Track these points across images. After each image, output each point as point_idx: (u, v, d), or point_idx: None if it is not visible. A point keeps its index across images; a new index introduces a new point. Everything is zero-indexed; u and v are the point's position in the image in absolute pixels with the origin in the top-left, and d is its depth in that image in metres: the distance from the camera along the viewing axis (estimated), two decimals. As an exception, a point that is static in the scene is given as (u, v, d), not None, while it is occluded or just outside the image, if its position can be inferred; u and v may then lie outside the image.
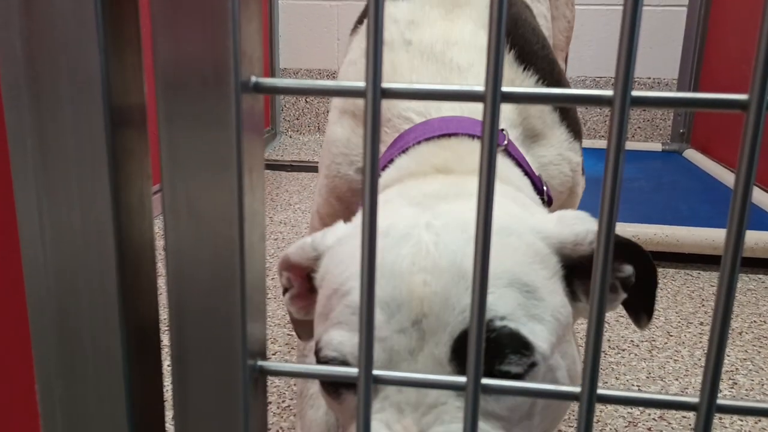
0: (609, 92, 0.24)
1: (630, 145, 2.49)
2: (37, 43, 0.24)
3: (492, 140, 0.24)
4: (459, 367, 0.44)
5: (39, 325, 0.27)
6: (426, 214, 0.51)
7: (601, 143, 2.55)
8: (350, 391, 0.48)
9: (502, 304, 0.45)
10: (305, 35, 2.71)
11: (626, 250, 0.53)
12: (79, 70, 0.24)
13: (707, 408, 0.26)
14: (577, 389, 0.26)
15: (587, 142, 2.54)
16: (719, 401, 0.26)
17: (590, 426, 0.27)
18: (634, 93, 0.23)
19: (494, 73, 0.24)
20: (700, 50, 2.44)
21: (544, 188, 0.68)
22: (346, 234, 0.53)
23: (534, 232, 0.51)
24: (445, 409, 0.44)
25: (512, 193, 0.59)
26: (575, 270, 0.52)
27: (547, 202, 0.67)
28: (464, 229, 0.48)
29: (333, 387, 0.48)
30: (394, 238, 0.48)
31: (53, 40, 0.24)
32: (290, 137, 2.77)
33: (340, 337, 0.46)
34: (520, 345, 0.44)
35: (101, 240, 0.26)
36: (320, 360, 0.46)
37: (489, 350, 0.44)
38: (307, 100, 2.78)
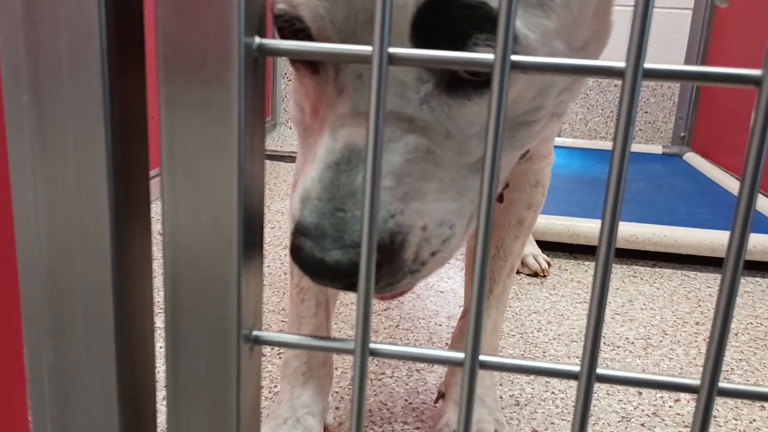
0: (621, 64, 0.23)
1: (631, 146, 2.48)
2: (36, -5, 0.23)
3: (497, 135, 0.24)
4: (419, 43, 0.37)
5: (29, 285, 0.27)
6: None
7: (602, 144, 2.54)
8: (308, 69, 0.42)
9: None
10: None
11: None
12: (78, 20, 0.23)
13: (709, 390, 0.25)
14: (576, 368, 0.26)
15: (588, 143, 2.54)
16: (721, 384, 0.26)
17: (588, 406, 0.27)
18: (646, 65, 0.23)
19: (504, 43, 0.23)
20: (703, 54, 2.43)
21: None
22: None
23: None
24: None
25: None
26: None
27: None
28: None
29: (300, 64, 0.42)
30: None
31: (53, -7, 0.23)
32: (290, 128, 2.76)
33: None
34: (494, 26, 0.34)
35: (95, 201, 0.25)
36: (273, 12, 0.40)
37: (453, 27, 0.36)
38: (309, 91, 2.77)
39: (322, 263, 0.38)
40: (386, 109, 0.38)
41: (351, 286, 0.39)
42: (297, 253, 0.39)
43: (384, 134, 0.38)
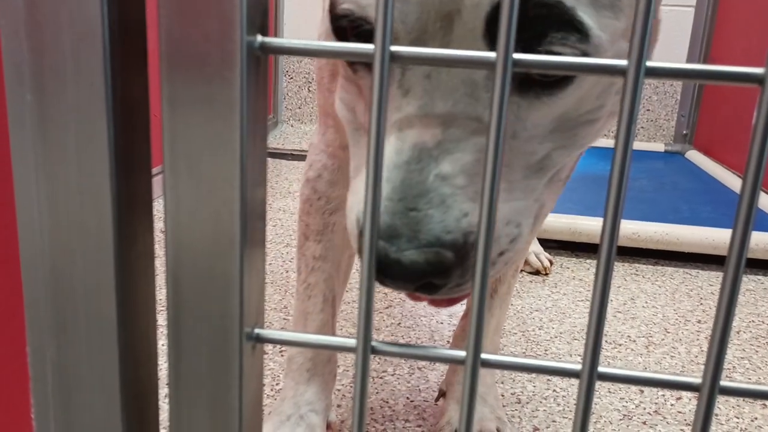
0: (623, 62, 0.23)
1: (633, 145, 2.48)
2: (39, -6, 0.23)
3: (499, 128, 0.24)
4: (492, 41, 0.37)
5: (32, 284, 0.27)
6: None
7: (604, 141, 2.54)
8: (367, 69, 0.42)
9: None
10: (310, 15, 2.69)
11: None
12: (80, 20, 0.23)
13: (710, 389, 0.25)
14: (577, 366, 0.26)
15: (590, 140, 2.54)
16: (722, 383, 0.26)
17: (589, 405, 0.27)
18: (648, 63, 0.23)
19: (505, 44, 0.23)
20: (706, 51, 2.43)
21: None
22: None
23: None
24: (460, 140, 0.39)
25: None
26: None
27: None
28: None
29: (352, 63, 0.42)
30: None
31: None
32: (291, 126, 2.76)
33: None
34: (569, 26, 0.36)
35: (98, 199, 0.26)
36: (335, 11, 0.40)
37: (528, 26, 0.36)
38: (310, 89, 2.77)
39: (398, 264, 0.37)
40: (457, 108, 0.39)
41: (425, 286, 0.38)
42: None
43: (454, 134, 0.39)
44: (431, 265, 0.37)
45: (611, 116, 0.46)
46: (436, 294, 0.40)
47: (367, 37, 0.40)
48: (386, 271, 0.37)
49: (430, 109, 0.39)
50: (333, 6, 0.41)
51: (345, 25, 0.40)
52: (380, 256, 0.37)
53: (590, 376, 0.26)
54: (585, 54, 0.38)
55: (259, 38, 0.25)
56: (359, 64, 0.43)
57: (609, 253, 0.24)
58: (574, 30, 0.37)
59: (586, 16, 0.37)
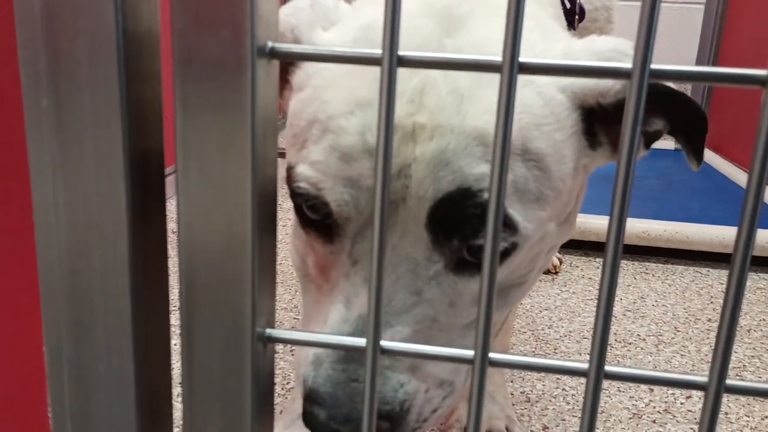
0: (628, 65, 0.23)
1: (639, 148, 2.47)
2: (54, 2, 0.24)
3: (507, 117, 0.24)
4: (434, 230, 0.41)
5: (49, 285, 0.27)
6: (443, 33, 0.42)
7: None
8: (319, 236, 0.44)
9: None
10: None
11: (661, 99, 0.45)
12: (95, 27, 0.24)
13: (716, 388, 0.25)
14: (584, 365, 0.26)
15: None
16: (728, 382, 0.26)
17: (596, 404, 0.27)
18: (653, 66, 0.23)
19: (512, 45, 0.23)
20: (716, 49, 2.42)
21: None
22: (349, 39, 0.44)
23: (554, 82, 0.43)
24: (401, 312, 0.42)
25: (535, 11, 0.48)
26: (598, 114, 0.46)
27: (579, 15, 0.60)
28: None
29: (307, 224, 0.45)
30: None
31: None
32: (301, 125, 2.76)
33: (317, 176, 0.41)
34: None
35: (113, 201, 0.26)
36: (291, 186, 0.43)
37: (466, 223, 0.41)
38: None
39: None
40: (399, 283, 0.42)
41: None
42: (312, 421, 0.41)
43: (395, 307, 0.43)
44: None
45: (540, 272, 0.50)
46: None
47: (320, 212, 0.42)
48: None
49: None
50: (290, 179, 0.43)
51: (301, 202, 0.43)
52: (322, 424, 0.41)
53: (597, 375, 0.26)
54: (514, 244, 0.42)
55: (270, 44, 0.25)
56: (312, 230, 0.45)
57: (615, 252, 0.24)
58: (504, 226, 0.41)
59: (515, 212, 0.41)
